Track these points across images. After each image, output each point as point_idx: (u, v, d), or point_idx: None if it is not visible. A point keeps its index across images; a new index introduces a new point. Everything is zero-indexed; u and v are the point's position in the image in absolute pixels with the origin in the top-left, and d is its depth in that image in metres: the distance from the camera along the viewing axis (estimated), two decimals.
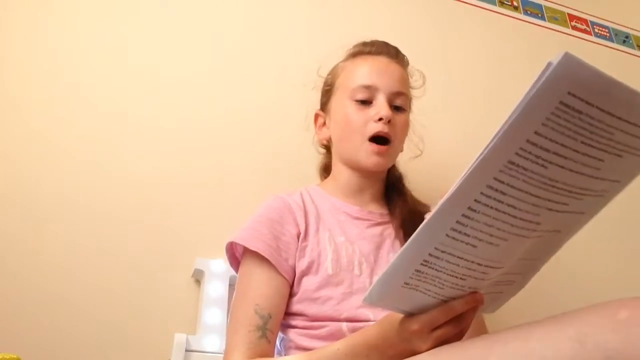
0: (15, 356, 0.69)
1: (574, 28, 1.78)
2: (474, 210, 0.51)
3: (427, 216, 0.54)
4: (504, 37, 1.65)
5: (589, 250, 1.39)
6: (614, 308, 0.47)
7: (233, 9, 1.37)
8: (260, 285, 0.85)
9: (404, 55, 1.05)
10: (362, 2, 1.52)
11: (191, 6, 1.33)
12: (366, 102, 0.96)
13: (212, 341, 1.00)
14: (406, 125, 1.00)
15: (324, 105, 1.05)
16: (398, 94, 0.97)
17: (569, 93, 0.44)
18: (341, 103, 0.99)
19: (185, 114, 1.22)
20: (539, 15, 1.75)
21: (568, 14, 1.80)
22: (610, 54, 1.78)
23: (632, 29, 1.86)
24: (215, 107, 1.25)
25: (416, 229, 0.53)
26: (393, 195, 1.03)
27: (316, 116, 1.07)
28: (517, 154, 0.47)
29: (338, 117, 0.99)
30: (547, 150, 0.47)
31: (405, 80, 1.01)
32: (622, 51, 1.81)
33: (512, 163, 0.48)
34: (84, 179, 1.10)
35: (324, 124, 1.05)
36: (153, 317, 1.04)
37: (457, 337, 0.63)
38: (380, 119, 0.93)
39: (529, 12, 1.74)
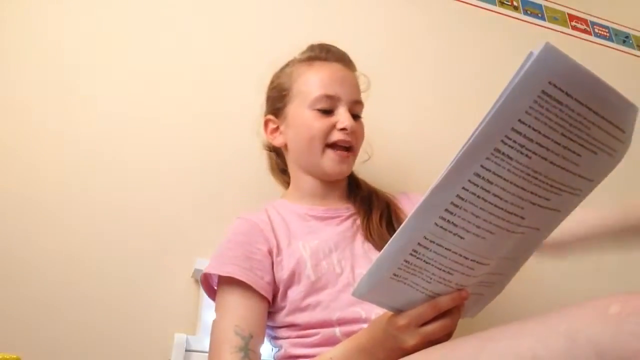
0: (15, 356, 0.69)
1: (574, 28, 1.78)
2: (462, 199, 0.52)
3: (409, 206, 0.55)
4: (504, 37, 1.64)
5: None
6: (605, 303, 0.47)
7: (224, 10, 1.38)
8: (238, 307, 0.84)
9: (352, 61, 1.05)
10: (362, 2, 1.52)
11: (188, 6, 1.34)
12: (327, 112, 0.96)
13: None
14: (363, 131, 1.02)
15: (278, 111, 1.02)
16: (357, 102, 1.00)
17: (549, 82, 0.47)
18: (300, 111, 0.98)
19: (187, 115, 1.23)
20: (539, 15, 1.75)
21: (568, 14, 1.80)
22: (610, 54, 1.77)
23: (632, 29, 1.86)
24: (217, 108, 1.25)
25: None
26: (352, 189, 1.05)
27: (267, 121, 1.04)
28: (502, 141, 0.49)
29: (299, 127, 0.98)
30: (531, 140, 0.50)
31: (359, 87, 1.03)
32: (622, 51, 1.80)
33: (498, 151, 0.50)
34: (84, 179, 1.10)
35: (277, 129, 1.03)
36: (153, 317, 1.04)
37: (445, 336, 0.64)
38: (343, 129, 0.95)
39: (529, 12, 1.74)
